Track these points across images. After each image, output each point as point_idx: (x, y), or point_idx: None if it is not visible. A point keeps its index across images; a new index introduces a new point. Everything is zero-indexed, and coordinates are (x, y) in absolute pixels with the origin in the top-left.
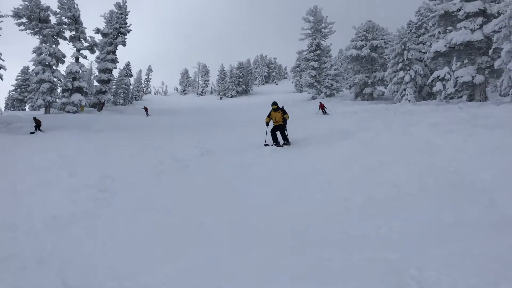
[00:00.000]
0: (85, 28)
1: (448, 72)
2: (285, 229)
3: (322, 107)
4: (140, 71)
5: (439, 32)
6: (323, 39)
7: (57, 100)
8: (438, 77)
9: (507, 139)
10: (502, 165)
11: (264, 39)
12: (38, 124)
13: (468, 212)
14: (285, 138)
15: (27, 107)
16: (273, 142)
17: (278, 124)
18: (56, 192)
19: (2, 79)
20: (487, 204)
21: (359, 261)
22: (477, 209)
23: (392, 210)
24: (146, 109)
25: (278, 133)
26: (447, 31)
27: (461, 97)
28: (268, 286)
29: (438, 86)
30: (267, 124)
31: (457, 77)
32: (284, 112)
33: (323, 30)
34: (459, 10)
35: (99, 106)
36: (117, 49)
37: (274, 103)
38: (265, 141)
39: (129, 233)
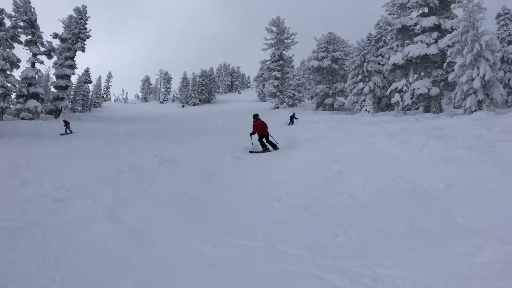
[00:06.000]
0: (42, 32)
1: (405, 84)
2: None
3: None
4: (100, 77)
5: (397, 45)
6: (286, 50)
7: (11, 106)
8: (396, 89)
9: (459, 150)
10: (454, 175)
11: (227, 48)
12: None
13: (422, 221)
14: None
15: None
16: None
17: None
18: (5, 202)
19: None
20: (440, 213)
21: (313, 270)
22: (430, 218)
23: (349, 219)
24: (66, 123)
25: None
26: (405, 44)
27: (417, 108)
28: None
29: (396, 97)
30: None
31: (414, 89)
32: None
33: (285, 40)
34: (415, 24)
35: (56, 113)
36: (75, 55)
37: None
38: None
39: (83, 245)
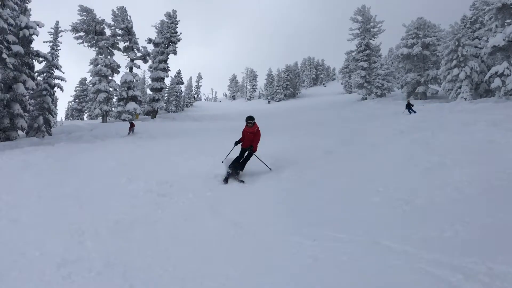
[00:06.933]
0: (138, 38)
1: (507, 67)
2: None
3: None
4: (191, 78)
5: (496, 26)
6: (372, 39)
7: (113, 109)
8: (496, 73)
9: None
10: None
11: (311, 41)
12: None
13: None
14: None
15: (85, 117)
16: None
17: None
18: (117, 197)
19: (62, 90)
20: None
21: (421, 265)
22: None
23: (456, 213)
24: (132, 125)
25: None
26: (506, 24)
27: None
28: None
29: (497, 82)
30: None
31: None
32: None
33: (372, 29)
34: None
35: (152, 113)
36: (168, 58)
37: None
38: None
39: (190, 237)
